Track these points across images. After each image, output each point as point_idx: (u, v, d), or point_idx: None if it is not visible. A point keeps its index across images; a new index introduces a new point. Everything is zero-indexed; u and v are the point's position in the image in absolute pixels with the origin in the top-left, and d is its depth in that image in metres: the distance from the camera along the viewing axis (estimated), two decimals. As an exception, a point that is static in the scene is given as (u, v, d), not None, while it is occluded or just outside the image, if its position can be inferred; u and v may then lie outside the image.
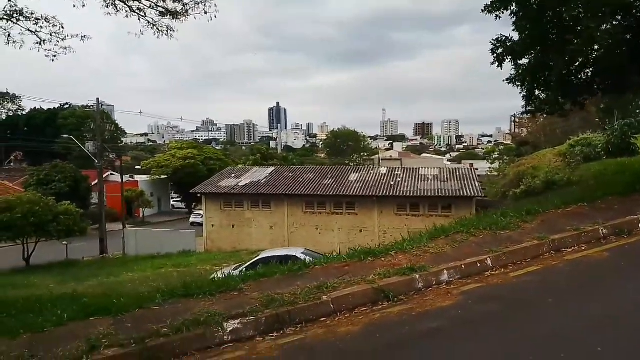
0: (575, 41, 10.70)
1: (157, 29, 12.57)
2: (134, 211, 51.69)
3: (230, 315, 5.34)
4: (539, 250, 7.62)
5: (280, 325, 5.37)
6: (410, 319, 5.37)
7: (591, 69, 11.68)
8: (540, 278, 6.58)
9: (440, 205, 28.58)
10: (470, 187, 28.62)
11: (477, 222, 9.09)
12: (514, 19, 11.70)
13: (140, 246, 31.70)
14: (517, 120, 70.58)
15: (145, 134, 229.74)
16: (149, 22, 12.43)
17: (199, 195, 34.10)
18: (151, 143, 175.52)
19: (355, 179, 31.60)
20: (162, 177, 56.53)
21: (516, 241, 7.86)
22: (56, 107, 74.28)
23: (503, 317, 5.42)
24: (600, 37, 9.73)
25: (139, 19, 12.35)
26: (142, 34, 12.72)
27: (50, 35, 12.47)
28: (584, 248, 7.82)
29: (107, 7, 11.81)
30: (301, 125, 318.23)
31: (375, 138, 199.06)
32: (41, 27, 12.32)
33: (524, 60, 12.18)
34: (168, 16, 12.45)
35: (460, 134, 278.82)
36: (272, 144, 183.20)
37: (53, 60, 13.00)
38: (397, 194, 29.00)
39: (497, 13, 11.42)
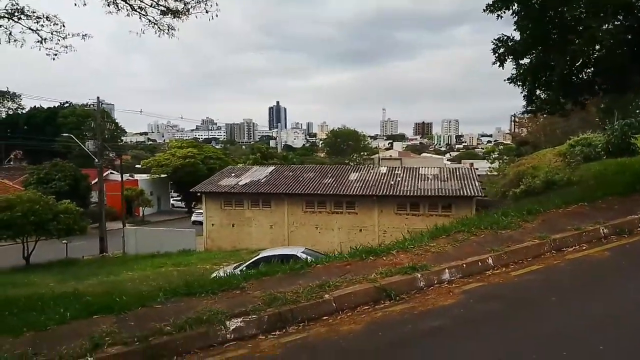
0: (577, 41, 10.71)
1: (159, 27, 12.55)
2: (133, 210, 51.67)
3: (233, 314, 5.35)
4: (540, 249, 7.63)
5: (283, 323, 5.39)
6: (412, 318, 5.39)
7: (592, 69, 11.69)
8: (541, 277, 6.59)
9: (440, 205, 28.59)
10: (470, 186, 28.64)
11: (478, 222, 9.10)
12: (515, 19, 11.70)
13: (140, 245, 31.69)
14: (517, 120, 70.58)
15: (145, 133, 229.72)
16: (150, 20, 12.43)
17: (198, 194, 34.09)
18: (151, 142, 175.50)
19: (355, 178, 31.61)
20: (162, 176, 56.49)
21: (517, 240, 7.88)
22: (56, 105, 74.30)
23: (505, 316, 5.44)
24: (602, 37, 9.74)
25: (140, 18, 12.34)
26: (143, 32, 12.70)
27: (51, 33, 12.46)
28: (585, 247, 7.83)
29: (108, 5, 11.79)
30: (301, 124, 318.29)
31: (375, 137, 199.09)
32: (42, 25, 12.32)
33: (525, 60, 12.19)
34: (169, 15, 12.44)
35: (460, 134, 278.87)
36: (272, 143, 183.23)
37: (54, 59, 12.98)
38: (397, 193, 29.01)
39: (499, 13, 11.43)
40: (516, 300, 5.82)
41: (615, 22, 10.32)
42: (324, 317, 5.59)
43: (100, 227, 33.22)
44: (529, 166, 29.20)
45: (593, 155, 23.50)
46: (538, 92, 12.87)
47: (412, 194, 28.73)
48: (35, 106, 77.22)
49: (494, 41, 11.81)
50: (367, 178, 31.45)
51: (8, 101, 75.27)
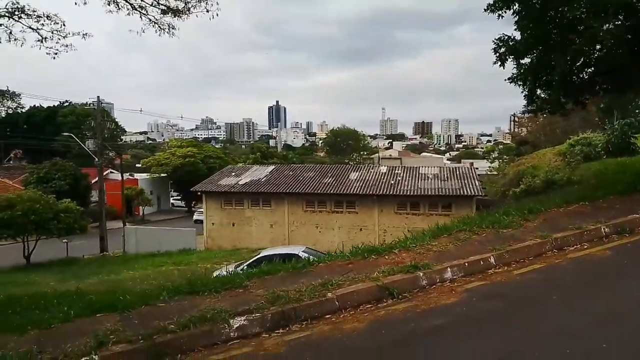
0: (578, 41, 10.73)
1: (159, 26, 12.56)
2: (133, 209, 51.68)
3: (236, 312, 5.37)
4: (542, 248, 7.65)
5: (286, 322, 5.41)
6: (415, 316, 5.41)
7: (593, 69, 11.71)
8: (543, 276, 6.62)
9: (440, 204, 28.62)
10: (471, 186, 28.67)
11: (480, 221, 9.13)
12: (516, 19, 11.72)
13: (140, 244, 31.70)
14: (516, 119, 70.60)
15: (145, 132, 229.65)
16: (150, 20, 12.42)
17: (199, 193, 34.10)
18: (150, 141, 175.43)
19: (355, 177, 31.64)
20: (162, 175, 56.50)
21: (519, 239, 7.90)
22: (56, 105, 74.26)
23: (508, 314, 5.46)
24: (603, 37, 9.76)
25: (140, 17, 12.34)
26: (144, 31, 12.70)
27: (52, 32, 12.47)
28: (586, 246, 7.85)
29: (109, 4, 11.79)
30: (300, 124, 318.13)
31: (374, 137, 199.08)
32: (43, 24, 12.33)
33: (526, 60, 12.21)
34: (169, 14, 12.44)
35: (459, 133, 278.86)
36: (272, 142, 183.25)
37: (54, 58, 13.00)
38: (398, 192, 29.03)
39: (500, 12, 11.45)
40: (519, 299, 5.84)
41: (616, 22, 10.34)
42: (327, 316, 5.61)
43: (101, 227, 33.23)
44: (529, 166, 29.25)
45: (593, 154, 23.53)
46: (539, 91, 12.89)
47: (412, 193, 28.76)
48: (34, 105, 77.31)
49: (495, 41, 11.83)
50: (367, 177, 31.48)
51: (8, 100, 75.26)
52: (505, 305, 5.68)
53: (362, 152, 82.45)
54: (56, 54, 12.78)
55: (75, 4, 12.14)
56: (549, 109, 13.22)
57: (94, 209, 42.00)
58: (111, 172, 55.25)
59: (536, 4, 11.39)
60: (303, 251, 18.24)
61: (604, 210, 9.59)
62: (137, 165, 70.39)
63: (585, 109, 17.34)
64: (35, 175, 43.94)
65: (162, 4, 12.38)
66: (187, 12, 12.48)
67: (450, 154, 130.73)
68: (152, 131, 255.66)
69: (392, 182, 30.25)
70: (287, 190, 30.88)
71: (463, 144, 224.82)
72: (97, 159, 34.42)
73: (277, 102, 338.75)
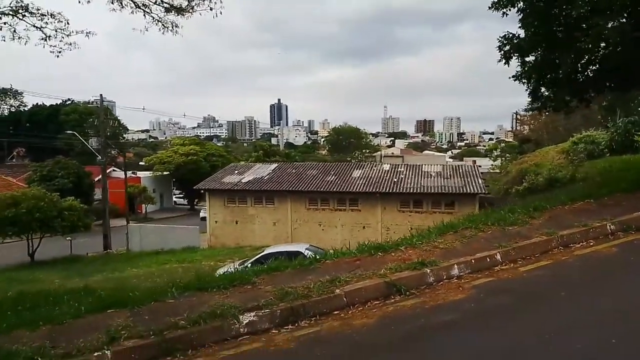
0: (583, 39, 10.72)
1: (163, 25, 12.56)
2: (136, 207, 51.77)
3: (246, 308, 5.41)
4: (548, 245, 7.68)
5: (295, 317, 5.45)
6: (424, 312, 5.45)
7: (598, 67, 11.70)
8: (550, 272, 6.65)
9: (443, 202, 28.67)
10: (473, 184, 28.70)
11: (485, 218, 9.16)
12: (520, 16, 11.71)
13: (144, 242, 31.80)
14: (519, 117, 70.48)
15: (147, 130, 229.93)
16: (153, 18, 12.43)
17: (202, 191, 34.18)
18: (152, 139, 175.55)
19: (358, 175, 31.68)
20: (165, 173, 56.58)
21: (525, 236, 7.93)
22: (58, 103, 74.38)
23: (515, 310, 5.50)
24: (609, 34, 9.76)
25: (144, 15, 12.35)
26: (147, 30, 12.69)
27: (56, 31, 12.47)
28: (592, 243, 7.88)
29: (112, 2, 11.79)
30: (302, 122, 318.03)
31: (376, 135, 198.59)
32: (46, 23, 12.34)
33: (530, 58, 12.19)
34: (173, 12, 12.45)
35: (461, 131, 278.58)
36: (274, 140, 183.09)
37: (58, 56, 13.02)
38: (400, 190, 29.09)
39: (504, 10, 11.44)
40: (526, 295, 5.88)
41: (622, 20, 10.33)
42: (336, 312, 5.65)
43: (104, 224, 33.33)
44: (532, 164, 29.23)
45: (596, 152, 23.53)
46: (543, 89, 12.88)
47: (415, 191, 28.82)
48: (37, 103, 77.42)
49: (500, 39, 11.82)
50: (370, 175, 31.53)
51: (11, 98, 75.55)
52: (512, 301, 5.72)
53: (364, 150, 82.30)
54: (60, 52, 12.78)
55: (79, 2, 12.17)
56: (553, 107, 13.21)
57: (97, 207, 42.07)
58: (114, 170, 55.39)
59: (540, 2, 11.38)
60: (307, 249, 18.28)
61: (610, 208, 9.59)
62: (141, 163, 70.42)
63: (588, 107, 17.30)
64: (38, 173, 44.02)
65: (165, 2, 12.39)
66: (191, 10, 12.50)
67: (452, 152, 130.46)
68: (154, 129, 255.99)
69: (395, 180, 30.30)
70: (290, 188, 30.95)
71: (465, 142, 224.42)
72: (100, 157, 34.52)
73: (279, 100, 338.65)
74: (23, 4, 12.06)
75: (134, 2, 12.17)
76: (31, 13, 12.17)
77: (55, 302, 6.74)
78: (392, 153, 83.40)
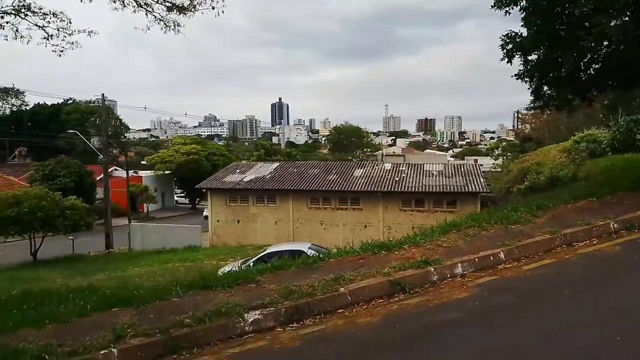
0: (586, 37, 10.73)
1: (165, 24, 12.55)
2: (137, 206, 51.81)
3: (251, 306, 5.43)
4: (551, 244, 7.70)
5: (300, 316, 5.47)
6: (428, 311, 5.47)
7: (601, 65, 11.69)
8: (553, 271, 6.66)
9: (445, 201, 28.67)
10: (475, 182, 28.69)
11: (488, 217, 9.18)
12: (523, 15, 11.71)
13: (146, 241, 31.85)
14: (520, 116, 70.45)
15: (148, 130, 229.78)
16: (155, 17, 12.42)
17: (204, 190, 34.21)
18: (154, 138, 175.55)
19: (360, 174, 31.69)
20: (166, 172, 56.62)
21: (528, 235, 7.94)
22: (60, 102, 74.44)
23: (519, 308, 5.51)
24: (612, 33, 9.75)
25: (146, 14, 12.35)
26: (149, 29, 12.69)
27: (58, 30, 12.48)
28: (595, 242, 7.90)
29: (114, 2, 11.79)
30: (303, 121, 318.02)
31: (377, 134, 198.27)
32: (49, 22, 12.35)
33: (533, 56, 12.20)
34: (175, 11, 12.44)
35: (462, 130, 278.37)
36: (274, 139, 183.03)
37: (60, 56, 13.03)
38: (402, 189, 29.09)
39: (507, 9, 11.44)
40: (530, 293, 5.89)
41: (624, 18, 10.32)
42: (340, 310, 5.66)
43: (106, 223, 33.38)
44: (533, 162, 29.21)
45: (598, 151, 23.49)
46: (545, 88, 12.88)
47: (417, 190, 28.81)
48: (39, 103, 77.52)
49: (502, 37, 11.82)
50: (371, 174, 31.53)
51: (12, 98, 75.63)
52: (516, 300, 5.73)
53: (365, 149, 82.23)
54: (62, 51, 12.78)
55: (81, 1, 12.18)
56: (556, 105, 13.21)
57: (98, 206, 42.13)
58: (115, 169, 55.40)
59: (543, 1, 11.37)
60: (309, 248, 18.31)
61: (612, 206, 9.61)
62: (143, 162, 70.42)
63: (591, 106, 17.29)
64: (40, 172, 44.08)
65: (167, 1, 12.39)
66: (193, 9, 12.49)
67: (453, 151, 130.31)
68: (155, 128, 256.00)
69: (397, 178, 30.30)
70: (292, 187, 30.97)
71: (466, 140, 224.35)
72: (101, 156, 34.56)
73: (280, 99, 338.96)
74: (25, 3, 12.06)
75: (136, 1, 12.18)
76: (33, 12, 12.18)
77: (59, 300, 6.77)
78: (394, 152, 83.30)
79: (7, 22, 12.06)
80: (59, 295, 7.43)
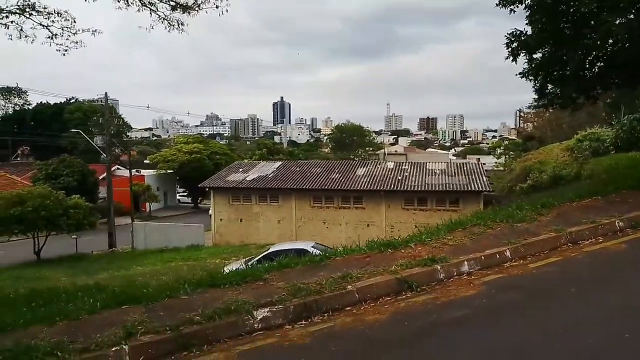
0: (589, 35, 10.74)
1: (169, 23, 12.57)
2: (140, 205, 51.90)
3: (259, 304, 5.45)
4: (557, 242, 7.71)
5: (308, 313, 5.49)
6: (436, 308, 5.49)
7: (606, 63, 11.70)
8: (560, 269, 6.68)
9: (448, 200, 28.69)
10: (478, 181, 28.69)
11: (493, 215, 9.21)
12: (527, 13, 11.71)
13: (149, 240, 31.94)
14: (522, 115, 70.39)
15: (150, 129, 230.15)
16: (159, 16, 12.44)
17: (206, 189, 34.27)
18: (156, 137, 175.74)
19: (362, 173, 31.72)
20: (168, 171, 56.71)
21: (533, 233, 7.96)
22: (62, 101, 74.57)
23: (526, 306, 5.52)
24: (617, 31, 9.76)
25: (150, 13, 12.37)
26: (153, 28, 12.71)
27: (62, 29, 12.53)
28: (601, 240, 7.92)
29: (119, 1, 11.80)
30: (305, 119, 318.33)
31: (379, 133, 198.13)
32: (53, 21, 12.39)
33: (538, 55, 12.20)
34: (179, 10, 12.46)
35: (464, 129, 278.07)
36: (276, 138, 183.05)
37: (64, 55, 13.08)
38: (405, 188, 29.11)
39: (512, 7, 11.45)
40: (536, 291, 5.91)
41: (630, 16, 10.32)
42: (348, 308, 5.68)
43: (109, 222, 33.46)
44: (536, 161, 29.21)
45: (602, 150, 23.48)
46: (550, 86, 12.89)
47: (419, 189, 28.82)
48: (41, 102, 77.68)
49: (507, 35, 11.83)
50: (374, 173, 31.55)
51: (15, 97, 75.81)
52: (523, 298, 5.75)
53: (367, 148, 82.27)
54: (66, 50, 12.84)
55: (86, 0, 12.20)
56: (560, 104, 13.22)
57: (101, 205, 42.26)
58: (118, 168, 55.47)
59: (548, -1, 11.37)
60: (312, 246, 18.37)
61: (617, 205, 9.63)
62: (146, 161, 70.54)
63: (595, 104, 17.30)
64: (43, 171, 44.23)
65: (171, 0, 12.41)
66: (197, 8, 12.51)
67: (455, 150, 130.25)
68: (157, 127, 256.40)
69: (400, 177, 30.32)
70: (295, 186, 31.01)
71: (468, 139, 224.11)
72: (104, 155, 34.62)
73: (282, 98, 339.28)
74: (30, 3, 12.10)
75: (140, 0, 12.21)
76: (38, 12, 12.22)
77: (68, 298, 6.81)
78: (396, 151, 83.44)
79: (11, 22, 12.11)
80: (67, 294, 7.48)
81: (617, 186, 11.25)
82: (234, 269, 10.16)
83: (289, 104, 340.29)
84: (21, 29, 12.27)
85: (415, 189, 28.90)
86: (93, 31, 13.07)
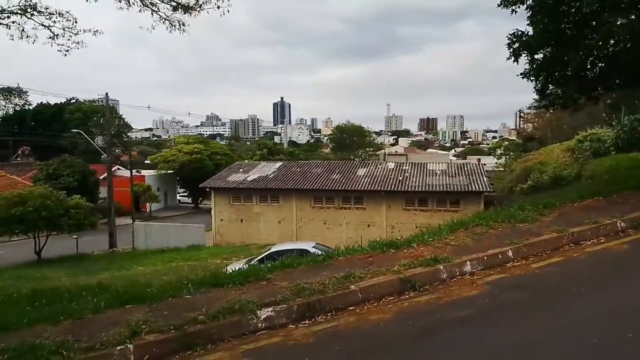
0: (591, 36, 10.75)
1: (170, 23, 12.56)
2: (140, 206, 51.88)
3: (263, 303, 5.47)
4: (559, 242, 7.73)
5: (312, 313, 5.51)
6: (439, 308, 5.51)
7: (608, 64, 11.71)
8: (562, 269, 6.70)
9: (448, 201, 28.70)
10: (479, 182, 28.71)
11: (495, 215, 9.22)
12: (529, 14, 11.73)
13: (149, 240, 31.93)
14: (522, 115, 70.40)
15: (150, 129, 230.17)
16: (160, 16, 12.44)
17: (207, 189, 34.28)
18: (156, 138, 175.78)
19: (363, 173, 31.73)
20: (169, 171, 56.71)
21: (535, 233, 7.98)
22: (63, 102, 74.58)
23: (530, 305, 5.54)
24: (618, 31, 9.77)
25: (151, 14, 12.36)
26: (154, 28, 12.70)
27: (64, 30, 12.52)
28: (603, 241, 7.93)
29: (120, 1, 11.80)
30: (305, 120, 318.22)
31: (379, 133, 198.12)
32: (54, 21, 12.39)
33: (539, 55, 12.22)
34: (180, 10, 12.46)
35: (465, 129, 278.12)
36: (276, 139, 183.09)
37: (65, 55, 13.06)
38: (406, 189, 29.12)
39: (514, 7, 11.47)
40: (539, 291, 5.93)
41: (631, 17, 10.34)
42: (351, 307, 5.70)
43: (109, 223, 33.46)
44: (536, 162, 29.21)
45: (602, 150, 23.46)
46: (551, 87, 12.90)
47: (420, 189, 28.83)
48: (42, 102, 77.68)
49: (509, 36, 11.86)
50: (375, 173, 31.56)
51: (15, 97, 75.84)
52: (526, 297, 5.76)
53: (367, 149, 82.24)
54: (67, 50, 12.82)
55: (87, 0, 12.21)
56: (561, 104, 13.24)
57: (102, 205, 42.26)
58: (118, 168, 55.47)
59: (549, -1, 11.39)
60: (313, 247, 18.38)
61: (619, 205, 9.64)
62: (147, 161, 70.55)
63: (597, 104, 17.32)
64: (44, 171, 44.21)
65: (173, 0, 12.41)
66: (198, 9, 12.50)
67: (455, 151, 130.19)
68: (157, 128, 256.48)
69: (400, 178, 30.33)
70: (295, 187, 31.03)
71: (468, 140, 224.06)
72: (105, 156, 34.64)
73: (282, 98, 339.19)
74: (32, 3, 12.07)
75: (142, 1, 12.21)
76: (39, 12, 12.20)
77: (71, 298, 6.82)
78: (396, 151, 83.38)
79: (13, 22, 12.10)
80: (70, 293, 7.48)
81: (619, 187, 11.26)
82: (237, 268, 10.19)
83: (289, 105, 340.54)
84: (22, 30, 12.25)
85: (416, 189, 28.92)
86: (94, 31, 13.04)
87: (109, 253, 31.63)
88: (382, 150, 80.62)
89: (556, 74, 12.20)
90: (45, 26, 12.37)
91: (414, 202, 29.20)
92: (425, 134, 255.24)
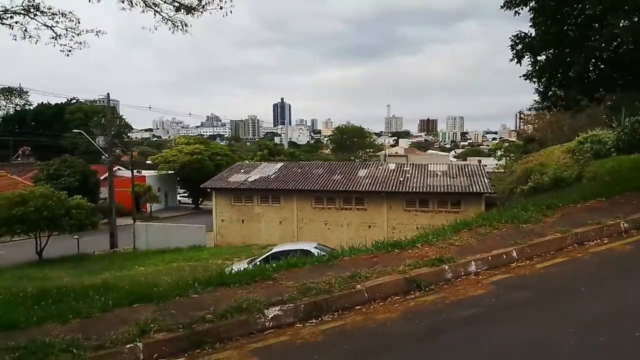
0: (594, 38, 10.79)
1: (172, 24, 12.59)
2: (141, 206, 51.90)
3: (270, 303, 5.50)
4: (563, 242, 7.77)
5: (319, 312, 5.54)
6: (445, 307, 5.54)
7: (611, 66, 11.75)
8: (566, 269, 6.74)
9: (449, 202, 28.75)
10: (480, 183, 28.76)
11: (499, 216, 9.27)
12: (532, 15, 11.77)
13: (150, 241, 31.97)
14: (523, 116, 70.36)
15: (150, 129, 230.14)
16: (163, 17, 12.47)
17: (208, 190, 34.31)
18: (156, 138, 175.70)
19: (364, 174, 31.77)
20: (169, 172, 56.74)
21: (539, 234, 8.01)
22: (63, 102, 74.61)
23: (535, 305, 5.57)
24: (621, 33, 9.82)
25: (154, 14, 12.39)
26: (156, 29, 12.73)
27: (66, 30, 12.54)
28: (606, 241, 7.97)
29: (123, 2, 11.82)
30: (305, 121, 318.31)
31: (379, 134, 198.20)
32: (57, 22, 12.42)
33: (542, 57, 12.26)
34: (183, 11, 12.49)
35: (465, 131, 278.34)
36: (276, 139, 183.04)
37: (68, 55, 13.08)
38: (406, 189, 29.17)
39: (517, 9, 11.51)
40: (545, 291, 5.96)
41: (634, 19, 10.38)
42: (357, 307, 5.73)
43: (110, 223, 33.49)
44: (537, 163, 29.21)
45: (603, 152, 23.49)
46: (554, 88, 12.94)
47: (421, 190, 28.87)
48: (42, 102, 77.68)
49: (512, 38, 11.90)
50: (376, 174, 31.61)
51: (16, 97, 75.86)
52: (532, 297, 5.80)
53: (367, 150, 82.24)
54: (70, 51, 12.84)
55: (89, 1, 12.24)
56: (564, 106, 13.28)
57: (103, 205, 42.28)
58: (119, 169, 55.50)
59: (552, 1, 11.43)
60: (315, 247, 18.41)
61: (622, 206, 9.68)
62: (148, 162, 70.57)
63: (599, 105, 17.35)
64: (45, 171, 44.22)
65: (176, 1, 12.44)
66: (201, 10, 12.53)
67: (455, 152, 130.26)
68: (158, 128, 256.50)
69: (401, 179, 30.38)
70: (296, 187, 31.07)
71: (468, 141, 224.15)
72: (107, 156, 34.69)
73: (282, 99, 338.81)
74: (34, 3, 12.09)
75: (144, 1, 12.24)
76: (42, 12, 12.21)
77: (76, 297, 6.85)
78: (396, 152, 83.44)
79: (16, 22, 12.14)
80: (76, 292, 7.51)
81: (621, 188, 11.29)
82: (239, 269, 10.22)
83: (289, 105, 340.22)
84: (25, 30, 12.28)
85: (417, 190, 28.96)
86: (97, 32, 13.05)
87: (110, 253, 31.65)
88: (383, 152, 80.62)
89: (559, 75, 12.24)
90: (48, 26, 12.39)
91: (415, 203, 29.25)
92: (425, 135, 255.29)
